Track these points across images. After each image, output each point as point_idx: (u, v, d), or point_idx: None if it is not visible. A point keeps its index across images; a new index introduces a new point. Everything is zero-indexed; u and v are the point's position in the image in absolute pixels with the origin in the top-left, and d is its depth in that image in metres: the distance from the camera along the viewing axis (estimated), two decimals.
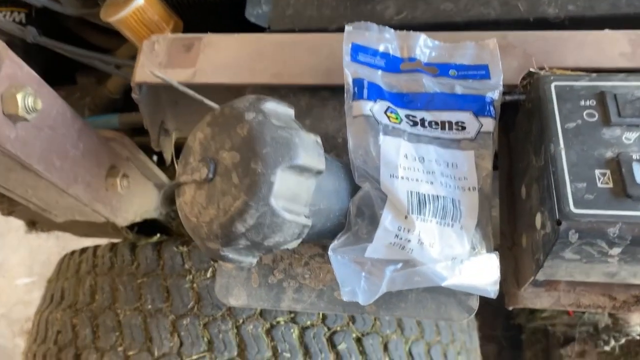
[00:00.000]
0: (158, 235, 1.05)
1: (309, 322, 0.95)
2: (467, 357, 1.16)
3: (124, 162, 0.92)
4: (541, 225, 0.58)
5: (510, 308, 0.74)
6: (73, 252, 1.16)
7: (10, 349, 2.16)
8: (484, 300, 0.64)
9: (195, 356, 0.92)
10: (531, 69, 0.67)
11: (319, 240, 0.64)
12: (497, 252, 0.60)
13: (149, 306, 0.97)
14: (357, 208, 0.59)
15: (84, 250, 1.13)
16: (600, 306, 0.69)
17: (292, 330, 0.94)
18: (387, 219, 0.57)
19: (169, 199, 0.86)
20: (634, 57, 0.66)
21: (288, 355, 0.92)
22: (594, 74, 0.63)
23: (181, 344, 0.93)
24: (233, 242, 0.50)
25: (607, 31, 0.69)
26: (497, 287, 0.60)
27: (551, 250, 0.55)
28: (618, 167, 0.54)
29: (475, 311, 0.62)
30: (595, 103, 0.60)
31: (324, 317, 0.96)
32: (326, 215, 0.57)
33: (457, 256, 0.58)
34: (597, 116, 0.59)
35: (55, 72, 1.25)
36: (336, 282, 0.61)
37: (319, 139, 0.53)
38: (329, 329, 0.95)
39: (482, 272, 0.59)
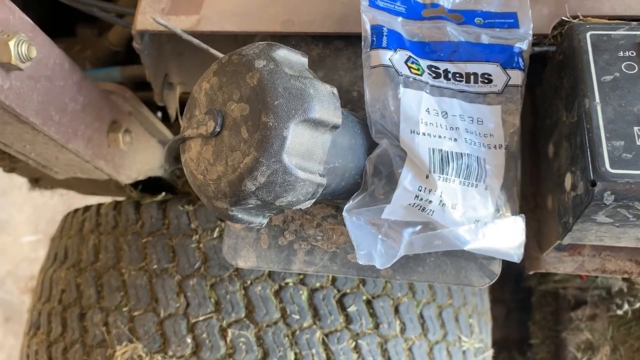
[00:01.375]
0: (163, 193, 1.02)
1: (318, 284, 0.92)
2: (478, 320, 1.14)
3: (126, 117, 0.87)
4: (571, 187, 0.54)
5: (531, 272, 0.71)
6: (76, 210, 1.13)
7: (18, 305, 2.18)
8: None
9: (202, 317, 0.90)
10: (564, 17, 0.62)
11: (333, 201, 0.60)
12: (522, 215, 0.57)
13: (155, 266, 0.94)
14: (374, 166, 0.55)
15: (87, 208, 1.10)
16: (627, 272, 0.66)
17: (301, 292, 0.91)
18: (406, 179, 0.53)
19: (174, 155, 0.82)
20: None
21: (297, 317, 0.90)
22: (634, 23, 0.57)
23: (188, 304, 0.91)
24: (242, 201, 0.46)
25: None
26: (522, 251, 0.57)
27: (582, 213, 0.51)
28: None
29: (498, 276, 0.59)
30: (635, 54, 0.55)
31: (334, 279, 0.93)
32: (341, 174, 0.53)
33: (481, 218, 0.55)
34: (637, 68, 0.54)
35: (54, 23, 1.19)
36: (350, 244, 0.58)
37: (335, 90, 0.49)
38: (338, 291, 0.93)
39: (507, 236, 0.56)
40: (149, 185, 1.14)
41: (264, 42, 0.49)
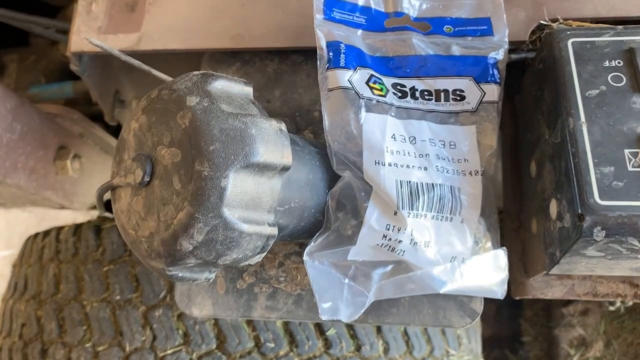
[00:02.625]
0: None
1: None
2: (467, 329, 1.09)
3: (75, 140, 0.80)
4: (557, 216, 0.48)
5: (517, 298, 0.65)
6: (36, 235, 1.06)
7: None
8: None
9: (170, 350, 0.84)
10: (542, 21, 0.55)
11: (293, 241, 0.54)
12: (504, 248, 0.51)
13: (118, 297, 0.88)
14: (337, 202, 0.49)
15: (47, 233, 1.03)
16: (620, 295, 0.61)
17: None
18: (372, 216, 0.47)
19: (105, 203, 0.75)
20: None
21: (272, 345, 0.84)
22: (620, 27, 0.51)
23: (154, 337, 0.85)
24: (179, 261, 0.40)
25: None
26: (505, 287, 0.51)
27: (570, 248, 0.46)
28: None
29: (480, 314, 0.53)
30: (622, 63, 0.49)
31: None
32: (299, 215, 0.47)
33: (458, 255, 0.49)
34: (625, 80, 0.48)
35: (7, 32, 1.11)
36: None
37: (283, 126, 0.42)
38: None
39: (488, 272, 0.50)
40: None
41: (198, 73, 0.42)
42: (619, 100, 0.47)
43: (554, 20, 0.55)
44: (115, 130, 0.93)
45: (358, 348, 0.89)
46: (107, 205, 1.07)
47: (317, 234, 0.49)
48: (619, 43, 0.50)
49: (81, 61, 0.66)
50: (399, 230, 0.47)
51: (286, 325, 0.86)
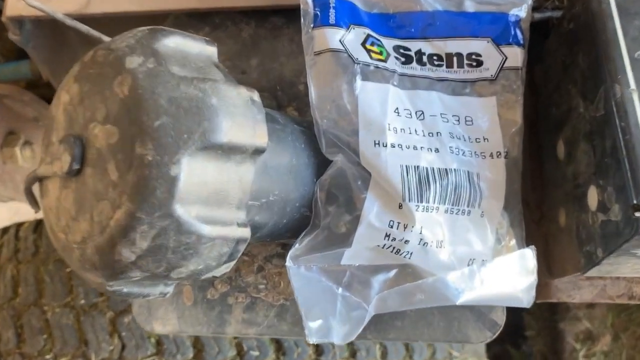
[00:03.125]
0: None
1: None
2: None
3: (27, 125, 0.70)
4: (599, 206, 0.39)
5: (539, 301, 0.56)
6: None
7: None
8: None
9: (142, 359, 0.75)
10: None
11: (274, 241, 0.45)
12: (532, 247, 0.42)
13: (82, 301, 0.80)
14: (328, 193, 0.39)
15: (5, 230, 0.93)
16: None
17: None
18: (372, 211, 0.38)
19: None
20: None
21: (256, 353, 0.76)
22: None
23: (123, 346, 0.77)
24: (121, 275, 0.30)
25: None
26: (533, 293, 0.42)
27: (620, 247, 0.36)
28: None
29: (501, 327, 0.44)
30: None
31: None
32: (280, 210, 0.38)
33: (477, 257, 0.40)
34: None
35: None
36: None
37: (255, 96, 0.33)
38: None
39: (513, 275, 0.41)
40: None
41: (145, 28, 0.33)
42: None
43: None
44: None
45: (353, 354, 0.80)
46: None
47: (303, 233, 0.40)
48: None
49: (22, 29, 0.55)
50: (405, 227, 0.37)
51: None
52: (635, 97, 0.37)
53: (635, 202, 0.34)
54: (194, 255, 0.30)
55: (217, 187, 0.30)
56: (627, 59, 0.39)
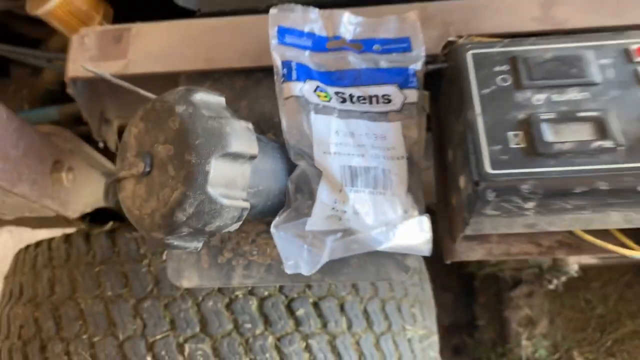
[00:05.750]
0: (111, 222, 1.07)
1: (266, 293, 0.99)
2: (421, 308, 1.22)
3: (67, 156, 0.92)
4: (464, 186, 0.62)
5: (448, 262, 0.79)
6: (28, 247, 1.16)
7: None
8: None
9: (159, 336, 0.95)
10: (450, 38, 0.70)
11: (262, 219, 0.67)
12: (427, 215, 0.65)
13: (109, 293, 0.99)
14: (295, 185, 0.62)
15: (38, 244, 1.13)
16: (527, 253, 0.75)
17: (250, 302, 0.98)
18: (323, 194, 0.61)
19: (113, 193, 0.87)
20: (543, 20, 0.70)
21: (249, 325, 0.96)
22: (507, 40, 0.67)
23: (144, 325, 0.96)
24: (176, 230, 0.52)
25: None
26: (430, 245, 0.65)
27: (474, 209, 0.60)
28: (528, 127, 0.59)
29: (412, 269, 0.67)
30: (508, 68, 0.64)
31: (281, 287, 1.00)
32: (266, 196, 0.61)
33: (391, 222, 0.63)
34: (510, 80, 0.63)
35: None
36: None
37: (250, 125, 0.56)
38: (286, 297, 1.00)
39: (415, 234, 0.64)
40: (98, 215, 1.18)
41: (183, 88, 0.56)
42: (505, 96, 0.62)
43: (460, 37, 0.70)
44: (99, 147, 1.05)
45: (324, 325, 1.01)
46: (93, 218, 1.17)
47: (281, 211, 0.62)
48: (506, 52, 0.65)
49: (75, 86, 0.78)
50: (343, 203, 0.60)
51: (260, 307, 0.98)
52: (479, 118, 0.61)
53: (476, 179, 0.58)
54: (219, 216, 0.53)
55: (230, 178, 0.53)
56: (476, 95, 0.63)
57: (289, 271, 0.60)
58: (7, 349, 1.07)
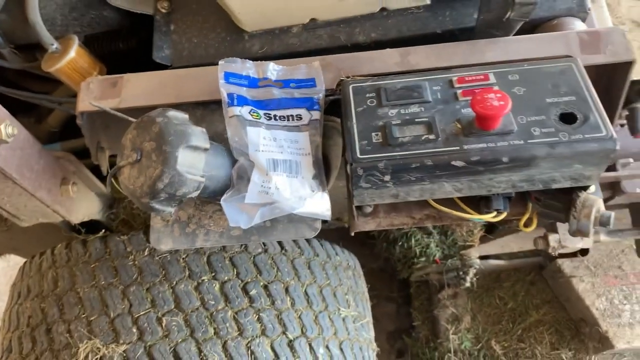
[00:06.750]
0: (103, 230, 1.36)
1: (226, 278, 1.28)
2: (354, 297, 1.52)
3: (72, 174, 1.22)
4: (347, 168, 0.95)
5: (352, 233, 1.10)
6: (33, 257, 1.43)
7: None
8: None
9: (142, 312, 1.23)
10: (341, 78, 1.05)
11: (215, 199, 0.98)
12: (327, 192, 0.97)
13: (102, 282, 1.26)
14: (237, 173, 0.94)
15: (42, 253, 1.40)
16: (404, 223, 1.07)
17: (214, 285, 1.27)
18: (255, 177, 0.92)
19: (114, 179, 1.17)
20: (401, 64, 1.05)
21: (213, 302, 1.25)
22: (376, 77, 1.01)
23: (130, 305, 1.23)
24: (156, 195, 0.83)
25: (387, 49, 1.08)
26: (329, 213, 0.96)
27: (352, 182, 0.92)
28: (384, 129, 0.93)
29: (319, 229, 0.99)
30: (375, 95, 0.98)
31: (238, 273, 1.29)
32: (216, 180, 0.92)
33: (302, 195, 0.94)
34: (375, 102, 0.97)
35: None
36: (230, 226, 0.96)
37: (204, 130, 0.88)
38: (242, 280, 1.29)
39: (319, 204, 0.96)
40: (91, 230, 1.47)
41: (160, 108, 0.88)
42: (371, 112, 0.96)
43: (347, 77, 1.05)
44: (95, 170, 1.36)
45: (273, 303, 1.30)
46: (88, 230, 1.46)
47: (227, 191, 0.93)
48: (374, 85, 0.99)
49: (82, 118, 1.09)
50: (269, 182, 0.92)
51: (222, 289, 1.27)
52: (354, 126, 0.94)
53: (350, 161, 0.90)
54: (184, 185, 0.83)
55: (192, 162, 0.84)
56: (354, 112, 0.96)
57: (232, 224, 0.91)
58: (17, 338, 1.32)
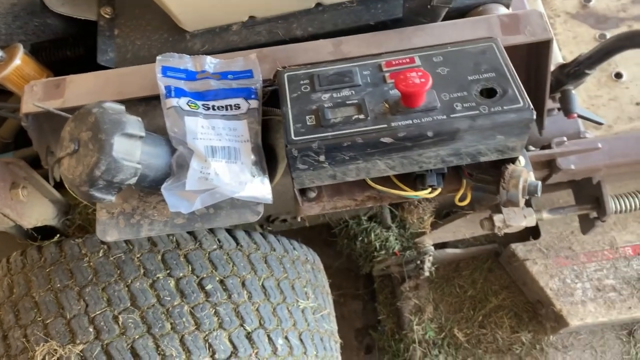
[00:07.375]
0: (58, 235, 1.37)
1: (181, 274, 1.30)
2: (313, 290, 1.54)
3: (22, 179, 1.24)
4: (285, 151, 0.98)
5: (299, 218, 1.14)
6: None
7: None
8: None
9: (98, 312, 1.23)
10: (277, 69, 1.09)
11: (157, 189, 1.01)
12: (267, 177, 1.00)
13: (58, 285, 1.27)
14: (177, 162, 0.97)
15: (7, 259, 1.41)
16: (347, 205, 1.11)
17: (169, 281, 1.28)
18: (194, 163, 0.95)
19: (54, 177, 1.18)
20: (335, 53, 1.10)
21: (169, 299, 1.26)
22: (309, 65, 1.06)
23: (87, 305, 1.24)
24: (95, 183, 0.86)
25: (321, 40, 1.13)
26: (270, 196, 1.00)
27: (290, 165, 0.96)
28: (317, 112, 0.97)
29: (261, 213, 1.02)
30: (308, 81, 1.02)
31: (193, 269, 1.31)
32: (155, 169, 0.95)
33: (242, 180, 0.97)
34: (309, 88, 1.01)
35: None
36: (174, 215, 0.98)
37: (139, 119, 0.91)
38: (197, 276, 1.31)
39: (260, 188, 0.99)
40: (48, 237, 1.48)
41: (97, 101, 0.91)
42: (305, 97, 1.00)
43: (283, 67, 1.09)
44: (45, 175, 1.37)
45: (229, 297, 1.32)
46: (44, 238, 1.47)
47: (167, 179, 0.96)
48: (308, 73, 1.04)
49: (28, 120, 1.11)
50: (208, 168, 0.95)
51: (177, 285, 1.29)
52: (290, 110, 0.98)
53: (286, 143, 0.94)
54: (121, 172, 0.86)
55: (128, 148, 0.87)
56: (289, 97, 1.00)
57: (172, 210, 0.94)
58: None
